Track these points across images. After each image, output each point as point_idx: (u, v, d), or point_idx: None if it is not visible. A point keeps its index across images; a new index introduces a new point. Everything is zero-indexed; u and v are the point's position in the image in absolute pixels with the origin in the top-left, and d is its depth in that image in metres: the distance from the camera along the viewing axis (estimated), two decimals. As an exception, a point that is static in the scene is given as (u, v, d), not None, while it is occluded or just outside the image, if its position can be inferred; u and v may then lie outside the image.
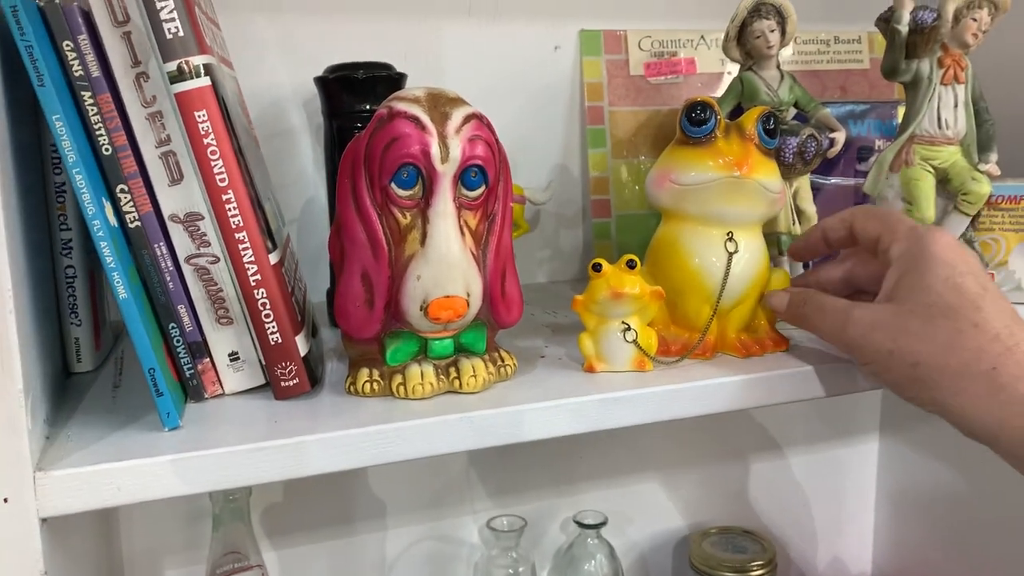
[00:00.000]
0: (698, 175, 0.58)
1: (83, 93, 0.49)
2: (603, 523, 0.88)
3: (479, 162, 0.51)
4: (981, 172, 0.70)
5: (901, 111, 0.81)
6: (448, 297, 0.51)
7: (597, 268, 0.57)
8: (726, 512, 1.02)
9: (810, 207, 0.71)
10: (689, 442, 1.01)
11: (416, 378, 0.53)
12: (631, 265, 0.57)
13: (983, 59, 0.72)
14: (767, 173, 0.59)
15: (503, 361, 0.57)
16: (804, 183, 0.71)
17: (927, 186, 0.70)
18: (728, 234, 0.59)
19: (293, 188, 0.81)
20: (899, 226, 0.55)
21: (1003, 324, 0.49)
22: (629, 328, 0.57)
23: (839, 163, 0.81)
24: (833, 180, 0.83)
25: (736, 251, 0.59)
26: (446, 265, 0.51)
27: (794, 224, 0.70)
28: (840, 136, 0.70)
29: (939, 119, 0.69)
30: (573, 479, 0.96)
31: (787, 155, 0.66)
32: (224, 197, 0.51)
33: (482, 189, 0.53)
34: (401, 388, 0.53)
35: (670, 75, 0.87)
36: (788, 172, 0.66)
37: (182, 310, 0.53)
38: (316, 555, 0.89)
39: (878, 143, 0.82)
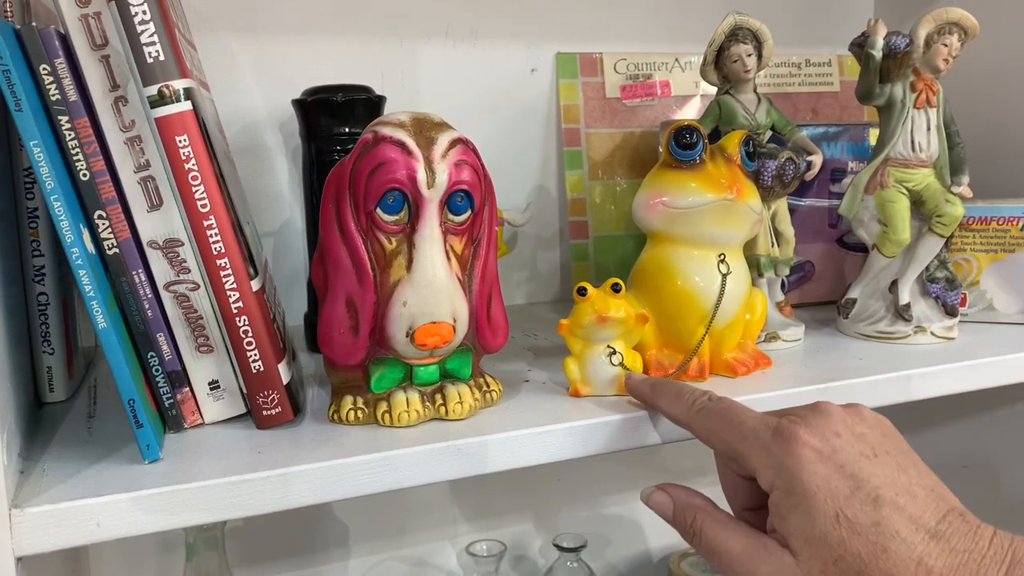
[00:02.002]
0: (695, 199, 0.58)
1: (60, 118, 0.48)
2: (583, 546, 0.87)
3: (465, 187, 0.51)
4: (954, 194, 0.71)
5: (873, 133, 0.82)
6: (435, 323, 0.51)
7: (582, 292, 0.56)
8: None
9: (788, 228, 0.71)
10: (668, 461, 1.01)
11: (402, 405, 0.52)
12: (616, 289, 0.57)
13: (951, 81, 0.73)
14: (753, 195, 0.60)
15: (488, 386, 0.56)
16: (782, 205, 0.71)
17: (902, 208, 0.70)
18: (720, 256, 0.59)
19: (268, 211, 0.80)
20: (751, 445, 0.45)
21: (919, 538, 0.40)
22: (615, 352, 0.57)
23: (813, 185, 0.82)
24: (807, 201, 0.84)
25: (729, 272, 0.59)
26: (432, 290, 0.50)
27: (773, 246, 0.70)
28: (817, 159, 0.70)
29: (912, 142, 0.70)
30: (551, 501, 0.96)
31: (766, 178, 0.66)
32: (206, 223, 0.50)
33: (468, 214, 0.52)
34: (386, 416, 0.52)
35: (645, 97, 0.88)
36: (767, 195, 0.66)
37: (161, 338, 0.52)
38: (291, 583, 0.87)
39: (851, 164, 0.83)
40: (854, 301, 0.75)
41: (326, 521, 0.87)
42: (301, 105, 0.68)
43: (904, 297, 0.72)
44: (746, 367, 0.63)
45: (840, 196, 0.83)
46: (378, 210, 0.50)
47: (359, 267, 0.51)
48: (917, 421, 1.05)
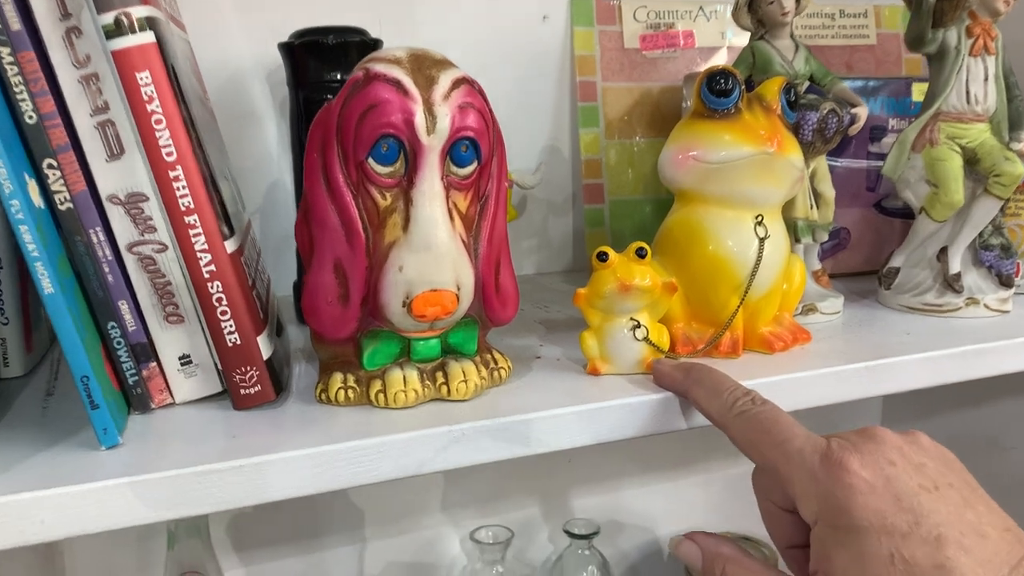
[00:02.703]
0: (729, 152, 0.51)
1: (1, 49, 0.41)
2: (595, 533, 0.82)
3: (471, 134, 0.44)
4: (1013, 151, 0.64)
5: (917, 88, 0.75)
6: (435, 291, 0.44)
7: (603, 258, 0.50)
8: (723, 517, 0.95)
9: (828, 189, 0.64)
10: (683, 444, 0.94)
11: (398, 384, 0.46)
12: (641, 254, 0.50)
13: (1011, 26, 0.66)
14: (795, 149, 0.54)
15: (496, 363, 0.50)
16: (822, 163, 0.64)
17: (954, 167, 0.64)
18: (757, 218, 0.53)
19: (256, 171, 0.73)
20: (795, 469, 0.39)
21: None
22: (639, 325, 0.51)
23: (850, 144, 0.75)
24: (843, 162, 0.77)
25: (767, 236, 0.53)
26: (433, 254, 0.44)
27: (812, 208, 0.63)
28: (863, 112, 0.63)
29: (967, 94, 0.63)
30: (561, 485, 0.89)
31: (806, 132, 0.60)
32: (171, 174, 0.43)
33: (474, 166, 0.46)
34: (380, 396, 0.46)
35: (667, 48, 0.80)
36: (806, 151, 0.60)
37: (124, 307, 0.46)
38: (285, 572, 0.81)
39: (892, 122, 0.76)
40: (897, 270, 0.68)
41: (320, 505, 0.81)
42: (288, 49, 0.61)
43: (955, 266, 0.65)
44: (783, 342, 0.56)
45: (880, 157, 0.76)
46: (370, 160, 0.44)
47: (348, 227, 0.45)
48: (948, 401, 0.99)
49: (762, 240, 0.53)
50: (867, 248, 0.79)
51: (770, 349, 0.56)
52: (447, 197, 0.45)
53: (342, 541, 0.82)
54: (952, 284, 0.65)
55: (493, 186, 0.48)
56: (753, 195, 0.53)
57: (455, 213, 0.45)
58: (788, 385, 0.52)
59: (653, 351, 0.51)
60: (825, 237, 0.65)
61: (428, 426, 0.44)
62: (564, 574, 0.82)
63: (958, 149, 0.64)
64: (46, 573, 0.71)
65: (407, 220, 0.44)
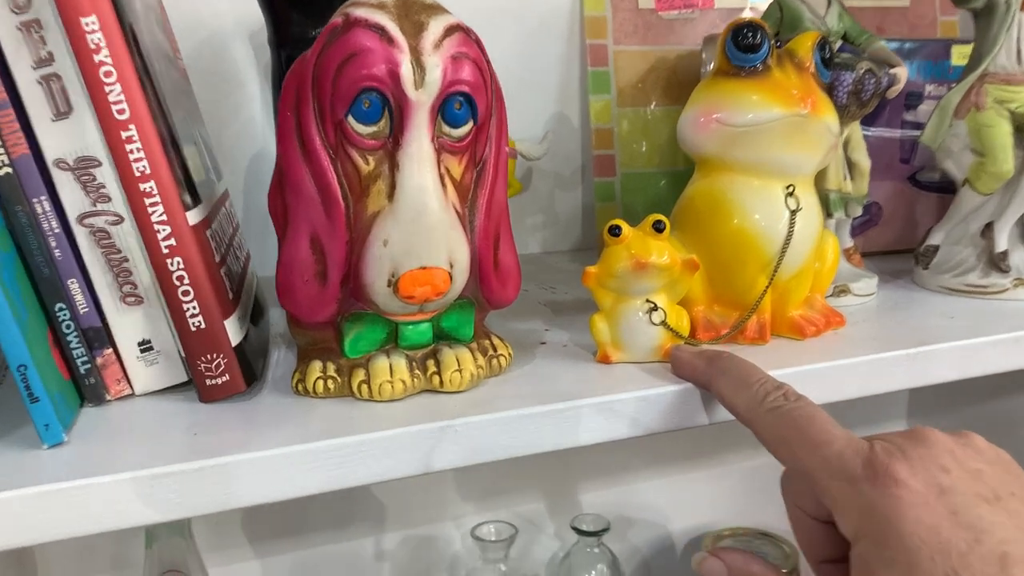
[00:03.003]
0: (758, 113, 0.46)
1: (-78, -11, 0.36)
2: (605, 529, 0.76)
3: (465, 88, 0.39)
4: (1068, 117, 0.58)
5: (957, 51, 0.69)
6: (425, 269, 0.39)
7: (615, 232, 0.44)
8: (740, 512, 0.90)
9: (864, 158, 0.59)
10: (698, 434, 0.89)
11: (384, 374, 0.41)
12: (658, 228, 0.45)
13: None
14: (830, 111, 0.48)
15: (495, 350, 0.44)
16: (856, 130, 0.59)
17: (1002, 134, 0.58)
18: (788, 188, 0.47)
19: (239, 140, 0.67)
20: (833, 476, 0.34)
21: None
22: (655, 307, 0.45)
23: (883, 112, 0.70)
24: (874, 131, 0.71)
25: (799, 208, 0.47)
26: (422, 226, 0.38)
27: (845, 179, 0.58)
28: (902, 73, 0.57)
29: (1018, 53, 0.57)
30: (568, 478, 0.84)
31: (840, 94, 0.54)
32: (124, 134, 0.38)
33: (469, 126, 0.40)
34: (364, 387, 0.41)
35: (684, 9, 0.75)
36: (839, 115, 0.53)
37: (74, 286, 0.40)
38: (273, 570, 0.76)
39: (928, 88, 0.70)
40: (936, 248, 0.63)
41: (310, 499, 0.76)
42: (268, 2, 0.55)
43: (1001, 243, 0.59)
44: (816, 327, 0.51)
45: (915, 126, 0.71)
46: (349, 119, 0.38)
47: (326, 195, 0.39)
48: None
49: (793, 213, 0.48)
50: (900, 224, 0.73)
51: (801, 335, 0.50)
52: (438, 161, 0.39)
53: (332, 538, 0.77)
54: (998, 263, 0.59)
55: (492, 150, 0.42)
56: (784, 162, 0.48)
57: (448, 180, 0.40)
58: (822, 375, 0.47)
59: (671, 337, 0.46)
60: (859, 211, 0.60)
61: (417, 421, 0.39)
62: (572, 573, 0.77)
63: (1006, 114, 0.58)
64: (15, 571, 0.66)
65: (392, 187, 0.38)
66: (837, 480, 0.34)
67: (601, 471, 0.86)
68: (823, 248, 0.52)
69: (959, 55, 0.70)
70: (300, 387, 0.42)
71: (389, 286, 0.39)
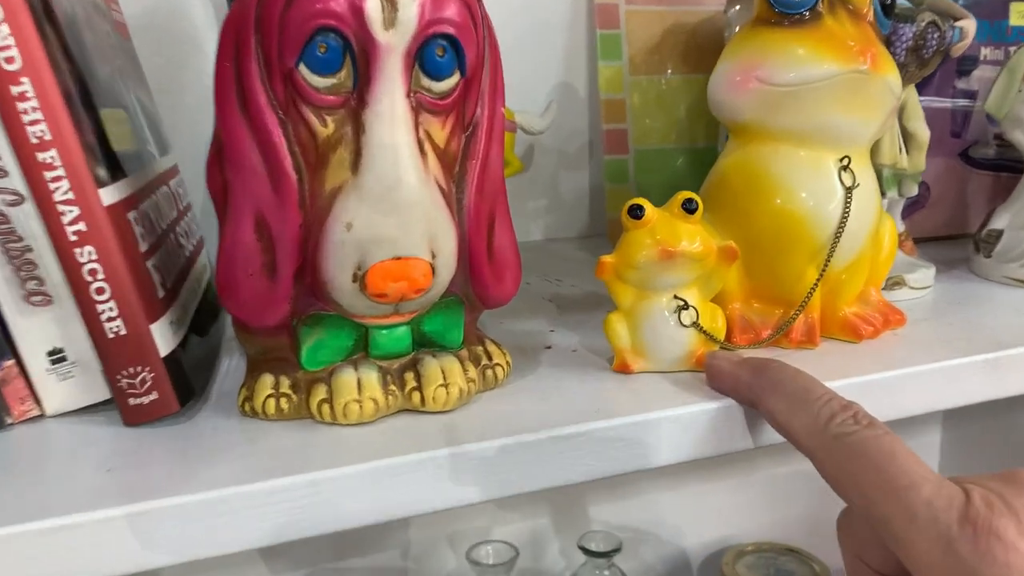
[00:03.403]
0: (807, 70, 0.38)
1: None
2: (616, 549, 0.68)
3: (449, 30, 0.31)
4: None
5: (1015, 9, 0.61)
6: (399, 260, 0.31)
7: (637, 213, 0.36)
8: (765, 525, 0.82)
9: (922, 129, 0.50)
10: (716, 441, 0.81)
11: (350, 391, 0.32)
12: (690, 208, 0.36)
13: None
14: (892, 68, 0.40)
15: (490, 359, 0.36)
16: (912, 95, 0.50)
17: (1083, 100, 0.49)
18: (843, 160, 0.39)
19: (197, 112, 0.59)
20: (920, 529, 0.27)
21: None
22: (686, 305, 0.37)
23: (931, 78, 0.61)
24: (922, 101, 0.62)
25: (855, 185, 0.39)
26: (396, 205, 0.30)
27: (900, 152, 0.49)
28: (970, 26, 0.49)
29: (1102, 4, 0.49)
30: (574, 491, 0.76)
31: (899, 49, 0.46)
32: (15, 90, 0.30)
33: (455, 79, 0.32)
34: (325, 407, 0.33)
35: (706, -37, 0.66)
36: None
37: (-39, 282, 0.32)
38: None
39: (984, 52, 0.62)
40: (1000, 234, 0.54)
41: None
42: (221, -56, 0.47)
43: (1081, 227, 0.51)
44: (873, 327, 0.43)
45: (968, 94, 0.63)
46: (302, 68, 0.30)
47: (274, 166, 0.31)
48: None
49: (848, 190, 0.40)
50: (950, 207, 0.65)
51: (856, 336, 0.42)
52: (416, 123, 0.31)
53: (314, 558, 0.69)
54: (1076, 250, 0.51)
55: (484, 111, 0.34)
56: (838, 129, 0.40)
57: (428, 147, 0.31)
58: (886, 387, 0.39)
59: (705, 341, 0.38)
60: (914, 190, 0.51)
61: (392, 451, 0.31)
62: (579, 597, 0.69)
63: (1087, 76, 0.50)
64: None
65: (357, 156, 0.30)
66: (924, 536, 0.26)
67: (611, 481, 0.77)
68: (880, 233, 0.44)
69: (1018, 14, 0.61)
70: (247, 407, 0.34)
71: (355, 281, 0.31)
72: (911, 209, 0.63)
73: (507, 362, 0.37)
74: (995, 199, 0.65)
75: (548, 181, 0.68)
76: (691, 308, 0.37)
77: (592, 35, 0.66)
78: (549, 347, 0.42)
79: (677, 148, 0.66)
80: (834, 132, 0.40)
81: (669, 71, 0.66)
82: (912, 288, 0.50)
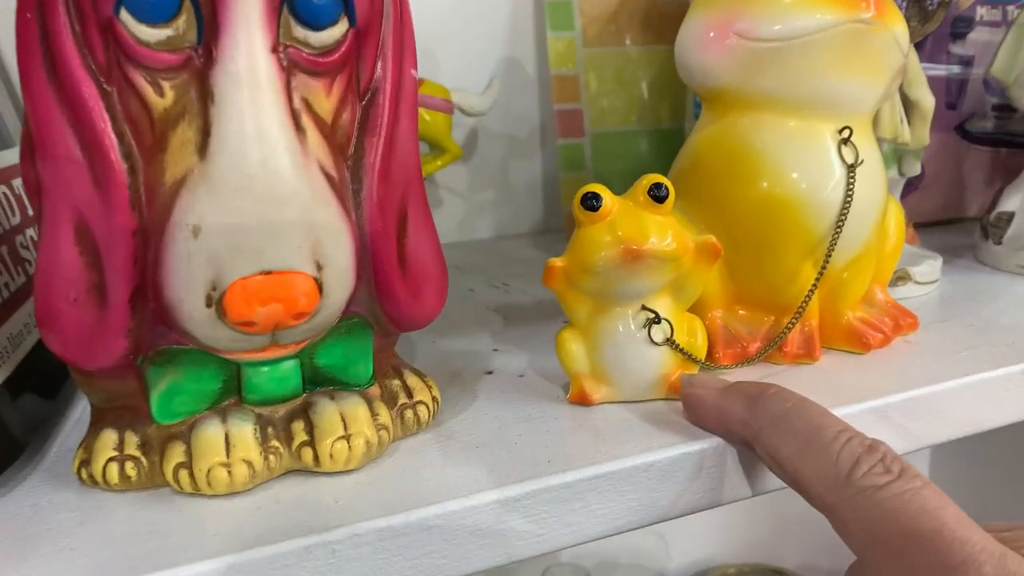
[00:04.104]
0: (797, 20, 0.31)
1: None
2: (585, 583, 0.61)
3: (328, -42, 0.22)
4: None
5: (1014, -37, 0.54)
6: (270, 275, 0.23)
7: (593, 204, 0.28)
8: (746, 547, 0.75)
9: (926, 96, 0.43)
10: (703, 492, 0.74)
11: (215, 452, 0.24)
12: (658, 195, 0.29)
13: None
14: (899, 19, 0.33)
15: (410, 396, 0.28)
16: (913, 58, 0.43)
17: (1107, 58, 0.42)
18: (843, 132, 0.32)
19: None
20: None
21: None
22: (657, 318, 0.29)
23: (924, 43, 0.54)
24: (911, 70, 0.55)
25: (858, 162, 0.32)
26: (261, 201, 0.22)
27: (901, 123, 0.42)
28: (979, -28, 0.42)
29: None
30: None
31: (898, 3, 0.38)
32: None
33: (342, 29, 0.24)
34: (184, 474, 0.24)
35: (666, -81, 0.58)
36: (896, 34, 0.38)
37: None
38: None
39: (981, 12, 0.55)
40: (1010, 217, 0.47)
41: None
42: None
43: (1107, 207, 0.44)
44: (882, 333, 0.35)
45: (964, 61, 0.56)
46: (124, 14, 0.22)
47: (94, 152, 0.23)
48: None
49: (851, 168, 0.32)
50: (947, 188, 0.58)
51: (863, 346, 0.35)
52: (287, 88, 0.23)
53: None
54: (1102, 233, 0.44)
55: (388, 72, 0.26)
56: (837, 93, 0.32)
57: (308, 120, 0.23)
58: (906, 411, 0.31)
59: (682, 361, 0.30)
60: (917, 168, 0.44)
61: (273, 536, 0.23)
62: (544, 637, 0.62)
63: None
64: None
65: (205, 134, 0.22)
66: None
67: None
68: (886, 220, 0.36)
69: (1018, -32, 0.55)
70: (84, 473, 0.25)
71: (209, 306, 0.23)
72: (905, 191, 0.56)
73: (434, 398, 0.29)
74: (994, 178, 0.58)
75: (494, 170, 0.60)
76: (663, 321, 0.30)
77: (539, 2, 0.58)
78: (490, 372, 0.34)
79: (639, 130, 0.59)
80: (831, 97, 0.32)
81: (628, 42, 0.58)
82: (918, 283, 0.43)
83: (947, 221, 0.58)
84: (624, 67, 0.58)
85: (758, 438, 0.26)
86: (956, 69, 0.56)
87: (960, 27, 0.55)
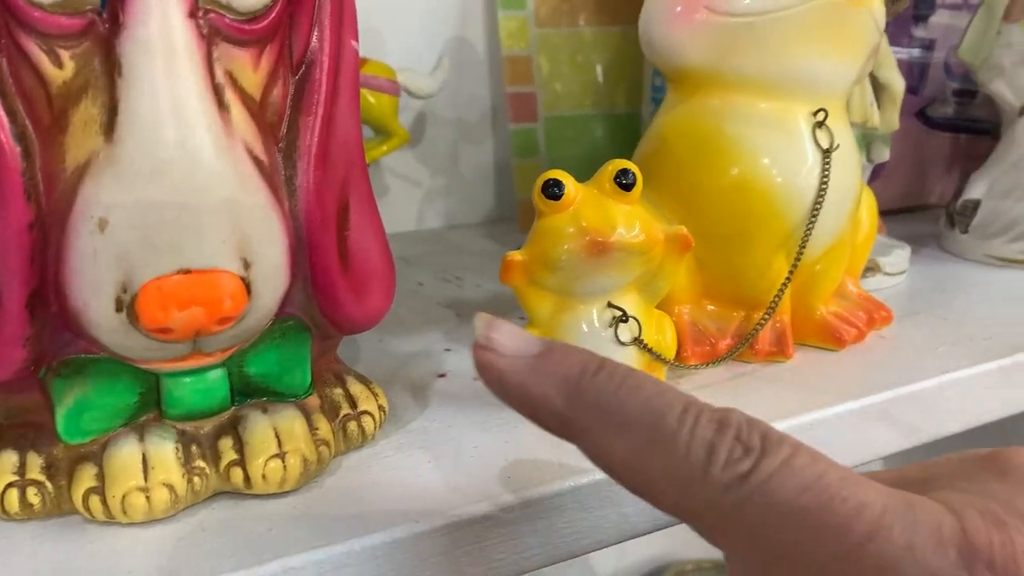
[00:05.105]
0: None
1: None
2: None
3: (253, -91, 0.20)
4: None
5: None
6: (189, 274, 0.20)
7: (555, 192, 0.26)
8: (703, 543, 0.74)
9: (896, 79, 0.41)
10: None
11: (131, 475, 0.21)
12: (624, 183, 0.26)
13: None
14: None
15: (354, 405, 0.25)
16: (884, 40, 0.41)
17: (1076, 40, 0.41)
18: (818, 115, 0.30)
19: None
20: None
21: None
22: (624, 316, 0.27)
23: (887, 25, 0.52)
24: (872, 54, 0.54)
25: (833, 147, 0.30)
26: (178, 188, 0.19)
27: (872, 107, 0.40)
28: (950, -50, 0.40)
29: (1096, -75, 0.41)
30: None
31: (870, -21, 0.36)
32: None
33: (272, -9, 0.21)
34: (95, 501, 0.21)
35: None
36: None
37: None
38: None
39: (944, -8, 0.54)
40: (976, 205, 0.46)
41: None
42: None
43: (1075, 194, 0.43)
44: (856, 328, 0.34)
45: (926, 44, 0.54)
46: (11, -29, 0.19)
47: (-21, 131, 0.19)
48: None
49: (827, 153, 0.31)
50: (907, 175, 0.56)
51: (837, 342, 0.33)
52: (208, 59, 0.20)
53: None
54: (1070, 221, 0.43)
55: (325, 43, 0.23)
56: (812, 73, 0.31)
57: (232, 95, 0.20)
58: (885, 412, 0.29)
59: (650, 362, 0.28)
60: (886, 155, 0.43)
61: (197, 572, 0.20)
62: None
63: (1081, 13, 0.42)
64: None
65: (112, 112, 0.19)
66: None
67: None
68: (859, 210, 0.35)
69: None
70: (-19, 501, 0.22)
71: (119, 310, 0.20)
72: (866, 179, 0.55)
73: (380, 407, 0.26)
74: (954, 164, 0.57)
75: (444, 156, 0.57)
76: (631, 319, 0.27)
77: (490, -21, 0.55)
78: (443, 374, 0.31)
79: (595, 114, 0.56)
80: (806, 77, 0.31)
81: (582, 22, 0.55)
82: (887, 274, 0.41)
83: (908, 209, 0.56)
84: (578, 49, 0.55)
85: (582, 438, 0.19)
86: (917, 53, 0.54)
87: (922, 9, 0.54)
